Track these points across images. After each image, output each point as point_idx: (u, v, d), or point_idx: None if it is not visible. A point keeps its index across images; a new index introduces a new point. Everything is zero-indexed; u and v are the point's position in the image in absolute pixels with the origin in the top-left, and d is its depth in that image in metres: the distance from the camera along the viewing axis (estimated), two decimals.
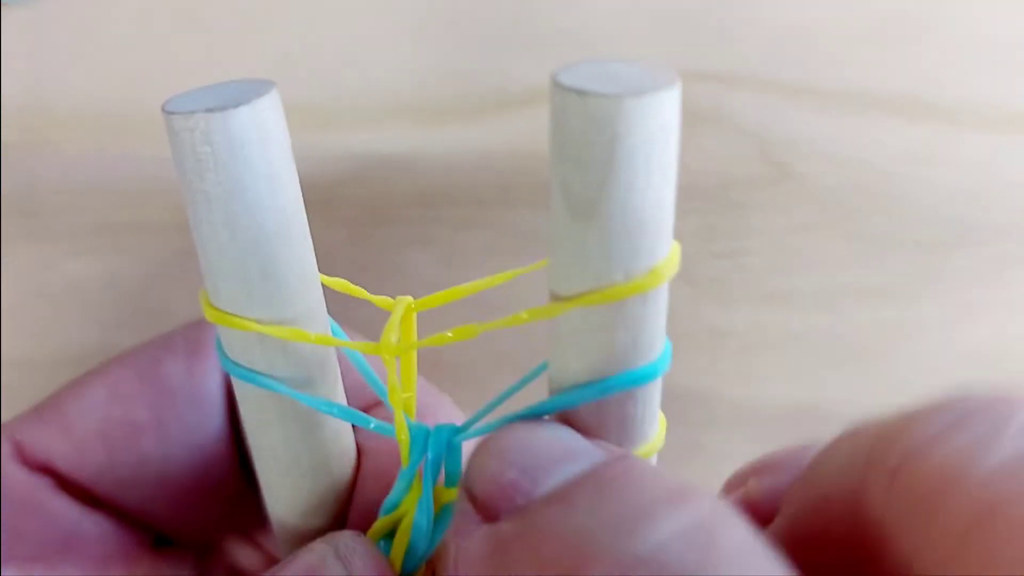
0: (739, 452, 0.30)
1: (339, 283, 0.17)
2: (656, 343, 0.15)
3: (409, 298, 0.16)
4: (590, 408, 0.15)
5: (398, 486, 0.17)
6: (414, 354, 0.17)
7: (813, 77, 0.27)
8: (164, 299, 0.29)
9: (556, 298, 0.14)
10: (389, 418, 0.19)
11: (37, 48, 0.27)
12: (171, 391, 0.22)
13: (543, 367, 0.16)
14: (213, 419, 0.22)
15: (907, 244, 0.28)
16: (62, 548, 0.21)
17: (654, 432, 0.16)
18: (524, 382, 0.17)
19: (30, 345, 0.30)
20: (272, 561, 0.25)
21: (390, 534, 0.18)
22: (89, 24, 0.27)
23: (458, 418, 0.20)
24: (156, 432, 0.21)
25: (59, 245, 0.29)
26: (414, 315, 0.16)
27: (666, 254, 0.14)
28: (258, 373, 0.16)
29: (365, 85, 0.27)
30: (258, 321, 0.16)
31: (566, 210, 0.14)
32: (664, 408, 0.29)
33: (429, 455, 0.16)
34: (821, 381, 0.30)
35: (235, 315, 0.16)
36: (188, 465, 0.22)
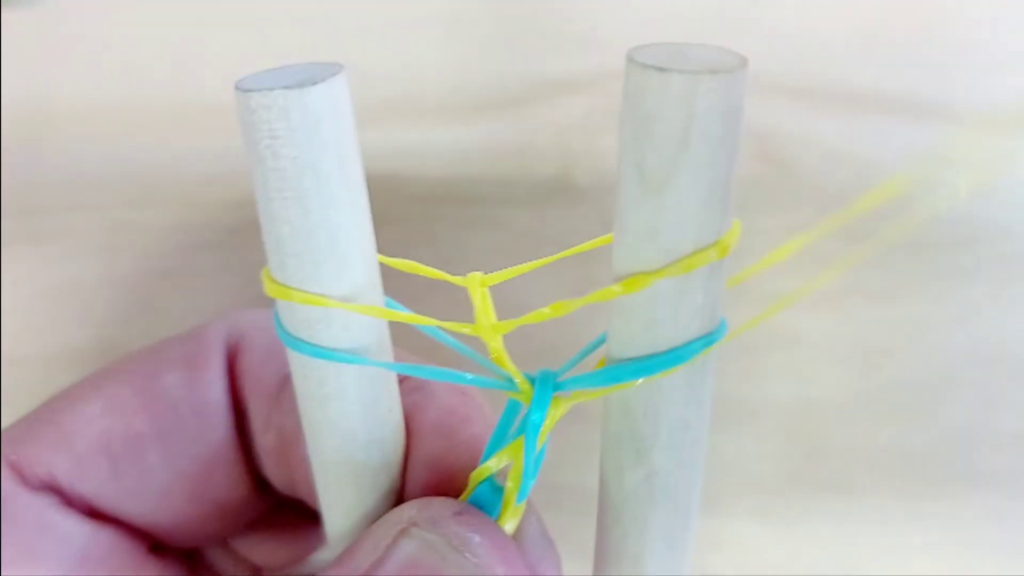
0: (739, 452, 0.30)
1: (399, 262, 0.18)
2: (718, 312, 0.15)
3: (479, 274, 0.17)
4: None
5: (494, 442, 0.17)
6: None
7: (814, 77, 0.27)
8: (163, 298, 0.30)
9: (624, 274, 0.15)
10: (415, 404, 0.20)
11: (37, 48, 0.27)
12: (172, 403, 0.21)
13: (602, 338, 0.16)
14: (217, 429, 0.22)
15: (908, 244, 0.29)
16: (77, 565, 0.21)
17: (711, 401, 0.17)
18: (585, 353, 0.17)
19: (30, 344, 0.30)
20: (252, 569, 0.26)
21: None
22: (89, 24, 0.27)
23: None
24: (159, 444, 0.21)
25: (59, 245, 0.29)
26: (486, 291, 0.17)
27: (731, 226, 0.15)
28: (321, 347, 0.17)
29: (368, 85, 0.27)
30: (323, 296, 0.16)
31: (639, 186, 0.14)
32: None
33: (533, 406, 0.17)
34: (821, 381, 0.30)
35: (300, 290, 0.16)
36: (194, 475, 0.22)
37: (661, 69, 0.13)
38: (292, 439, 0.21)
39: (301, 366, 0.17)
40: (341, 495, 0.19)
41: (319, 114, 0.15)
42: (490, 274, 0.17)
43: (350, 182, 0.16)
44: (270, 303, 0.17)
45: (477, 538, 0.17)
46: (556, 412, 0.17)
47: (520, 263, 0.18)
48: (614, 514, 0.18)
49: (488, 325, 0.16)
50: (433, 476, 0.19)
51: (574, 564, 0.27)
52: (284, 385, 0.21)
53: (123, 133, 0.27)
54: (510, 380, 0.17)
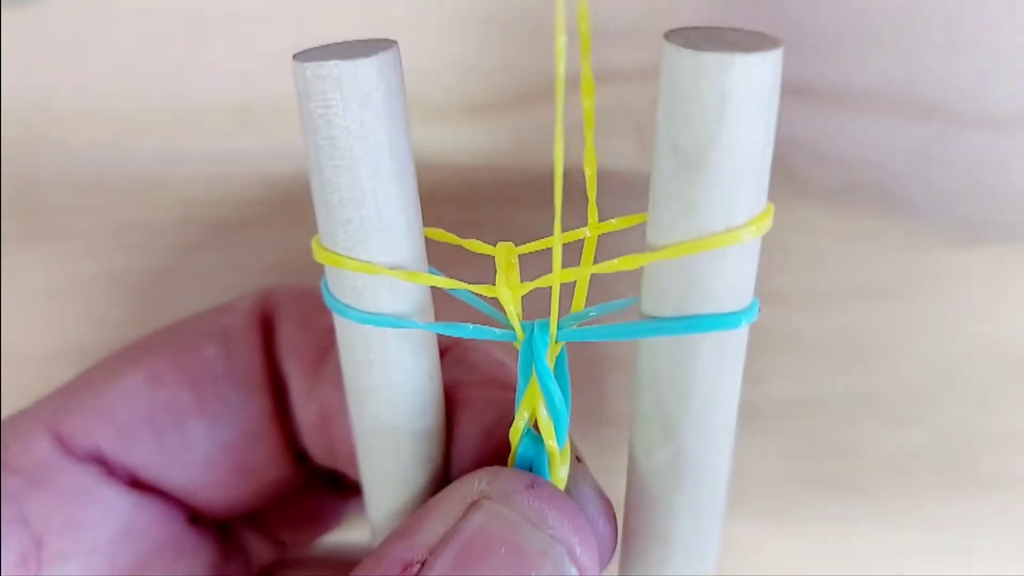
0: (739, 452, 0.30)
1: (439, 233, 0.18)
2: (747, 293, 0.16)
3: (511, 244, 0.17)
4: (683, 348, 0.16)
5: (518, 398, 0.18)
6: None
7: (815, 76, 0.27)
8: (166, 296, 0.30)
9: (656, 248, 0.15)
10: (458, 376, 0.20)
11: (37, 48, 0.27)
12: (211, 375, 0.22)
13: (634, 300, 0.17)
14: (256, 400, 0.22)
15: (908, 244, 0.28)
16: (121, 536, 0.21)
17: (739, 383, 0.17)
18: (612, 307, 0.18)
19: (30, 343, 0.31)
20: (279, 545, 0.26)
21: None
22: (89, 24, 0.27)
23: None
24: (200, 415, 0.22)
25: (59, 244, 0.30)
26: (516, 259, 0.17)
27: (764, 208, 0.15)
28: (367, 312, 0.17)
29: None
30: (370, 263, 0.17)
31: (674, 163, 0.15)
32: None
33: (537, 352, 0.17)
34: (822, 381, 0.30)
35: (349, 256, 0.17)
36: (233, 446, 0.22)
37: (696, 49, 0.14)
38: (334, 412, 0.22)
39: (347, 332, 0.18)
40: (381, 461, 0.19)
41: (370, 86, 0.16)
42: (521, 245, 0.17)
43: (399, 153, 0.17)
44: None
45: (550, 510, 0.17)
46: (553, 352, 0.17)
47: (520, 265, 0.18)
48: (642, 493, 0.18)
49: (504, 288, 0.17)
50: (484, 446, 0.19)
51: None
52: (324, 357, 0.22)
53: (124, 133, 0.27)
54: (510, 331, 0.17)
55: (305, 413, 0.22)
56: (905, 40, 0.27)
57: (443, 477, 0.20)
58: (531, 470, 0.18)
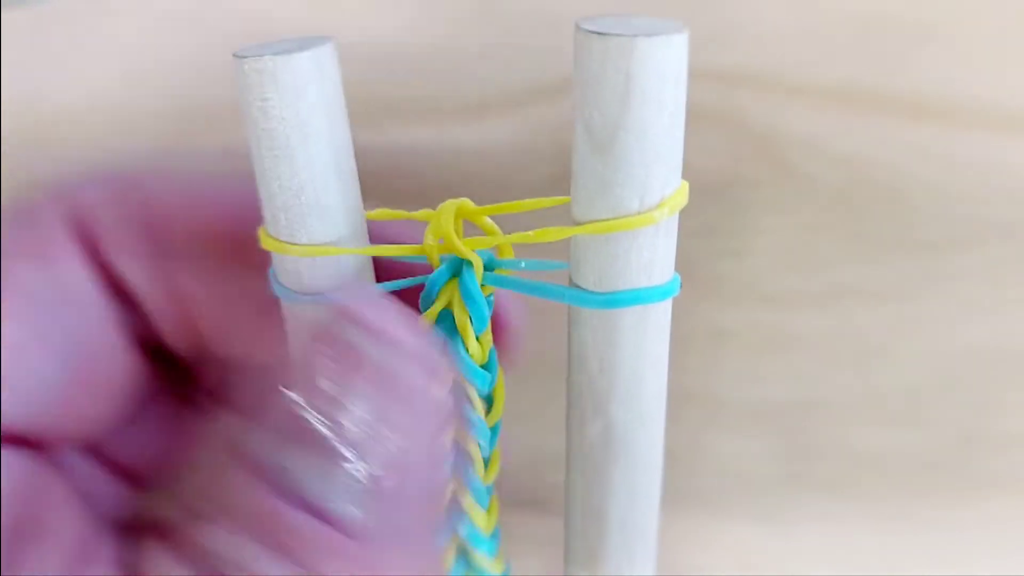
0: (738, 453, 0.30)
1: (380, 212, 0.19)
2: (666, 269, 0.16)
3: (456, 203, 0.18)
4: (606, 323, 0.17)
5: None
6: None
7: (816, 76, 0.27)
8: None
9: (578, 223, 0.16)
10: None
11: (37, 48, 0.27)
12: (36, 304, 0.21)
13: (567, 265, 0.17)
14: (96, 315, 0.21)
15: (909, 244, 0.28)
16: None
17: (666, 360, 0.18)
18: (547, 266, 0.18)
19: None
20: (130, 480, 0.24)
21: None
22: (89, 24, 0.27)
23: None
24: (36, 344, 0.21)
25: None
26: (460, 223, 0.18)
27: (677, 188, 0.16)
28: (310, 295, 0.18)
29: (364, 84, 0.27)
30: (310, 245, 0.18)
31: (588, 144, 0.15)
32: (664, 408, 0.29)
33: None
34: (821, 381, 0.30)
35: (291, 243, 0.18)
36: (78, 365, 0.21)
37: (600, 34, 0.14)
38: (190, 293, 0.21)
39: (293, 315, 0.19)
40: None
41: (305, 79, 0.17)
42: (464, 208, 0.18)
43: (336, 142, 0.17)
44: None
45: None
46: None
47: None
48: (577, 467, 0.19)
49: (432, 247, 0.18)
50: None
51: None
52: (162, 245, 0.21)
53: (123, 133, 0.28)
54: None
55: (157, 306, 0.22)
56: (906, 40, 0.27)
57: None
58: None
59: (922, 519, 0.30)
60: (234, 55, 0.17)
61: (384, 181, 0.27)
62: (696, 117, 0.27)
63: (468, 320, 0.18)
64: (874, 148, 0.27)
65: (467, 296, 0.17)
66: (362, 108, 0.28)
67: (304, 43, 0.17)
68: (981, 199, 0.28)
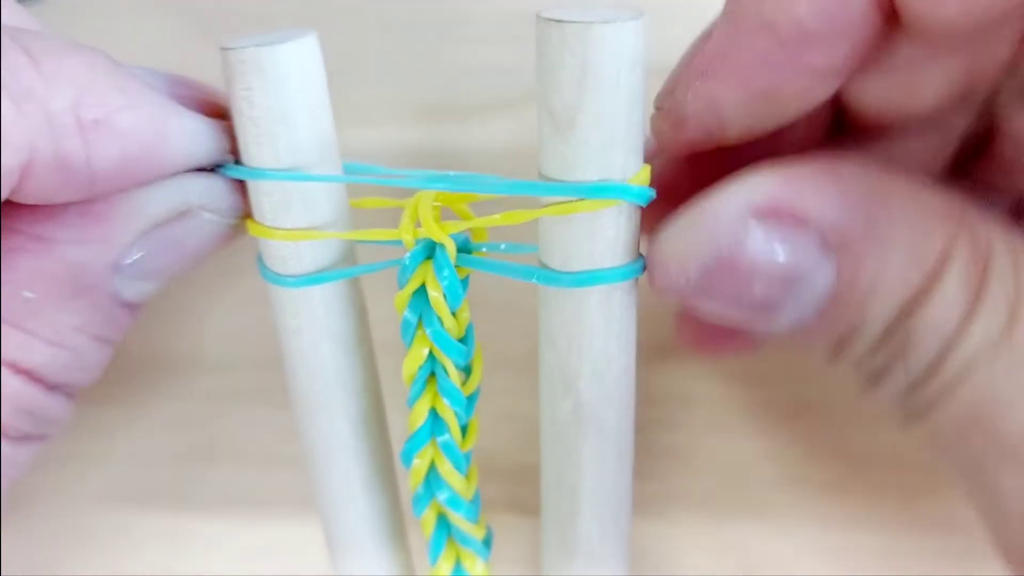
0: (738, 453, 0.31)
1: (365, 201, 0.20)
2: (628, 250, 0.17)
3: (433, 193, 0.19)
4: (573, 302, 0.17)
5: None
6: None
7: None
8: (164, 297, 0.30)
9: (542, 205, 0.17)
10: None
11: None
12: None
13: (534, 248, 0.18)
14: None
15: None
16: None
17: (633, 339, 0.18)
18: (520, 249, 0.19)
19: None
20: None
21: None
22: (89, 24, 0.27)
23: None
24: None
25: None
26: (437, 211, 0.19)
27: (637, 170, 0.16)
28: (294, 277, 0.19)
29: (366, 86, 0.28)
30: (293, 230, 0.18)
31: (550, 127, 0.16)
32: (664, 408, 0.29)
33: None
34: (821, 381, 0.30)
35: (276, 228, 0.19)
36: None
37: (558, 21, 0.15)
38: None
39: (277, 299, 0.20)
40: (314, 421, 0.21)
41: (288, 69, 0.17)
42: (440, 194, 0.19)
43: (318, 130, 0.18)
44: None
45: None
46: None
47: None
48: (549, 445, 0.19)
49: (408, 230, 0.18)
50: None
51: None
52: None
53: None
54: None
55: None
56: None
57: (381, 436, 0.22)
58: None
59: (923, 519, 0.30)
60: (220, 47, 0.18)
61: (383, 182, 0.28)
62: None
63: (442, 296, 0.18)
64: None
65: (439, 273, 0.18)
66: (362, 108, 0.29)
67: (288, 35, 0.18)
68: None
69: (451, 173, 0.19)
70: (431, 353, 0.19)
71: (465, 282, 0.19)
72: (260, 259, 0.20)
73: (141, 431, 0.30)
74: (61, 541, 0.31)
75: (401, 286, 0.19)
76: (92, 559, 0.31)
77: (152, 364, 0.31)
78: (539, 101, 0.16)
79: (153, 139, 0.18)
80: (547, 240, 0.17)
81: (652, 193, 0.17)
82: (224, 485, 0.30)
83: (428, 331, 0.19)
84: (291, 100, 0.18)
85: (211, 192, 0.19)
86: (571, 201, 0.16)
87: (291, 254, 0.19)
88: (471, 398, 0.20)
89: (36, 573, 0.31)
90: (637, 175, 0.16)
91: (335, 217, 0.19)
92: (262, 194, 0.18)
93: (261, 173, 0.18)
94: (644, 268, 0.17)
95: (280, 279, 0.19)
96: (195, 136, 0.18)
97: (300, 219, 0.18)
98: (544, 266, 0.17)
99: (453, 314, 0.19)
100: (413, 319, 0.19)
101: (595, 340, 0.18)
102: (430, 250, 0.18)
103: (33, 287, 0.18)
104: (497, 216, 0.17)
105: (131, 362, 0.31)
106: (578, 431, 0.18)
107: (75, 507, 0.31)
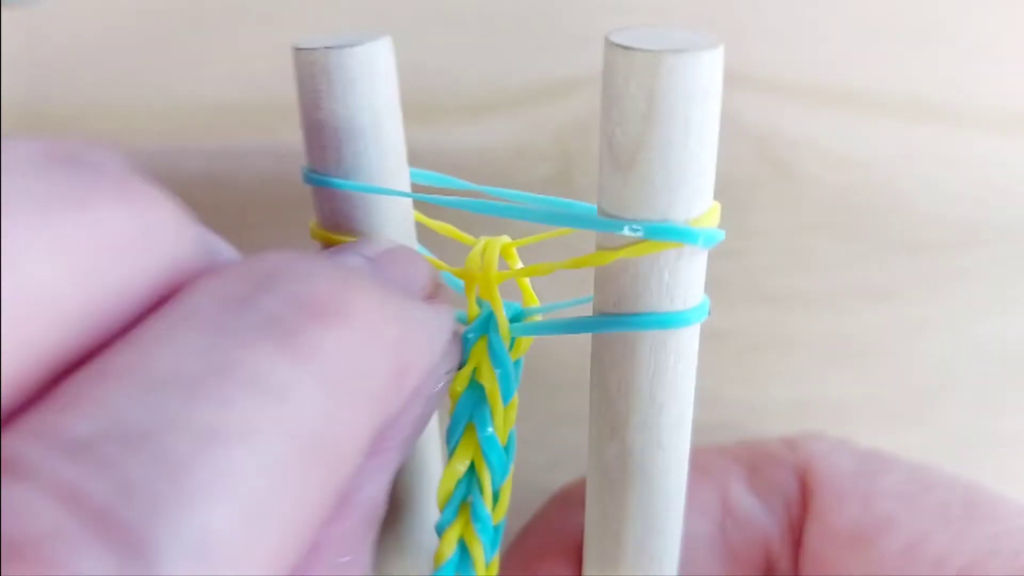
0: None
1: (443, 227, 0.19)
2: (691, 293, 0.16)
3: (505, 238, 0.18)
4: (624, 345, 0.16)
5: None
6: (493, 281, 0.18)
7: (815, 77, 0.27)
8: None
9: (602, 247, 0.16)
10: None
11: (37, 48, 0.27)
12: None
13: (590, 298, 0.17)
14: None
15: (908, 244, 0.28)
16: None
17: (690, 388, 0.17)
18: (571, 303, 0.18)
19: None
20: None
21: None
22: (89, 24, 0.27)
23: None
24: None
25: None
26: (496, 252, 0.18)
27: (704, 211, 0.15)
28: None
29: None
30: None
31: (610, 162, 0.15)
32: None
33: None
34: (821, 381, 0.29)
35: (339, 235, 0.18)
36: None
37: (625, 48, 0.14)
38: None
39: None
40: None
41: (355, 73, 0.17)
42: (508, 242, 0.18)
43: (385, 138, 0.18)
44: None
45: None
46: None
47: (520, 262, 0.19)
48: (595, 489, 0.18)
49: (472, 272, 0.18)
50: None
51: None
52: None
53: (122, 133, 0.28)
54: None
55: None
56: (906, 40, 0.26)
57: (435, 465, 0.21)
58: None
59: None
60: (293, 45, 0.17)
61: None
62: None
63: (497, 388, 0.18)
64: (874, 148, 0.27)
65: (495, 359, 0.18)
66: None
67: (360, 37, 0.17)
68: (981, 199, 0.28)
69: (504, 200, 0.18)
70: (472, 467, 0.19)
71: (518, 366, 0.18)
72: None
73: None
74: None
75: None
76: None
77: None
78: (601, 132, 0.15)
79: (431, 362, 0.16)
80: (603, 282, 0.16)
81: (720, 236, 0.15)
82: None
83: (480, 434, 0.18)
84: (358, 105, 0.17)
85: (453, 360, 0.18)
86: (631, 244, 0.15)
87: None
88: (497, 529, 0.19)
89: None
90: (704, 215, 0.15)
91: (399, 229, 0.18)
92: (325, 199, 0.18)
93: (337, 182, 0.18)
94: (708, 312, 0.16)
95: None
96: (443, 334, 0.16)
97: (363, 228, 0.18)
98: (599, 312, 0.16)
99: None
100: (464, 415, 0.18)
101: (647, 385, 0.16)
102: (486, 324, 0.18)
103: (344, 549, 0.15)
104: (559, 263, 0.16)
105: None
106: (624, 477, 0.17)
107: None
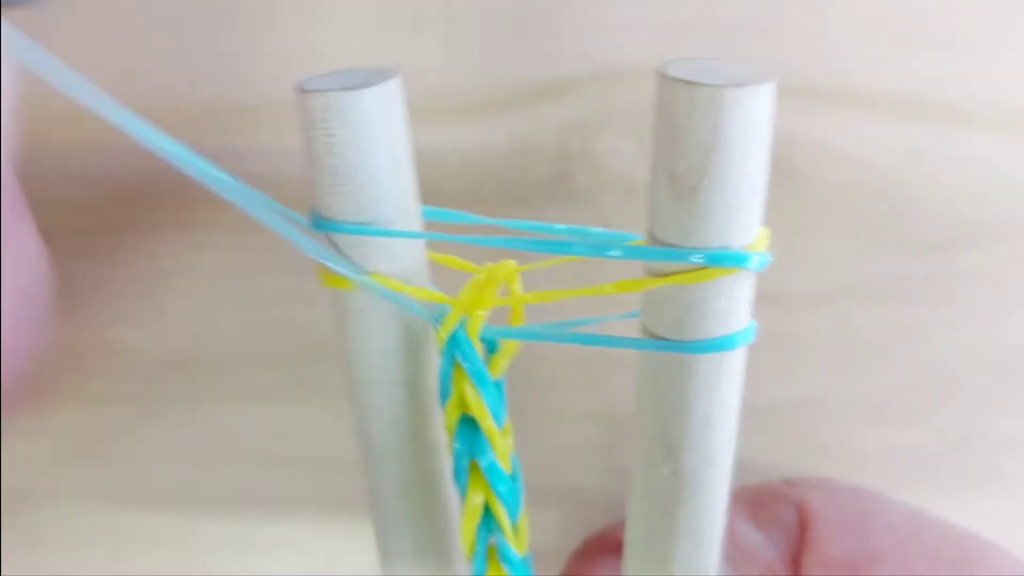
0: (739, 452, 0.31)
1: (446, 259, 0.19)
2: (742, 316, 0.16)
3: (511, 263, 0.18)
4: (680, 368, 0.16)
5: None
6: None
7: (815, 76, 0.27)
8: (163, 298, 0.30)
9: (653, 273, 0.16)
10: None
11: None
12: None
13: (637, 313, 0.17)
14: None
15: (908, 244, 0.28)
16: None
17: (738, 403, 0.17)
18: (609, 319, 0.18)
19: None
20: None
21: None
22: (90, 24, 0.27)
23: None
24: None
25: (58, 244, 0.30)
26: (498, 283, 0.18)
27: (757, 235, 0.15)
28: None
29: None
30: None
31: (670, 192, 0.15)
32: None
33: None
34: (821, 381, 0.30)
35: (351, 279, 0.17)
36: None
37: (689, 83, 0.14)
38: None
39: (353, 352, 0.18)
40: (388, 481, 0.20)
41: (371, 115, 0.16)
42: (522, 266, 0.18)
43: (400, 179, 0.17)
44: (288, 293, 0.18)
45: None
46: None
47: (521, 262, 0.19)
48: (643, 509, 0.18)
49: (463, 301, 0.18)
50: None
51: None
52: None
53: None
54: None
55: None
56: (906, 41, 0.27)
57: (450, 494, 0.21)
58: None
59: None
60: (297, 89, 0.16)
61: None
62: None
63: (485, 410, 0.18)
64: (874, 148, 0.27)
65: (475, 377, 0.18)
66: None
67: (368, 76, 0.16)
68: (981, 199, 0.28)
69: (533, 233, 0.18)
70: (486, 506, 0.19)
71: (500, 387, 0.18)
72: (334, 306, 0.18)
73: (143, 431, 0.30)
74: (62, 541, 0.31)
75: (443, 397, 0.18)
76: (94, 559, 0.31)
77: (155, 364, 0.30)
78: (657, 164, 0.15)
79: None
80: (655, 306, 0.16)
81: (769, 259, 0.16)
82: (226, 485, 0.30)
83: (482, 464, 0.18)
84: (375, 148, 0.16)
85: None
86: (690, 270, 0.15)
87: (367, 305, 0.18)
88: (526, 561, 0.19)
89: (37, 574, 0.31)
90: (756, 241, 0.15)
91: (414, 269, 0.18)
92: (339, 245, 0.17)
93: (347, 228, 0.17)
94: (755, 334, 0.16)
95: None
96: None
97: (383, 270, 0.17)
98: (650, 333, 0.16)
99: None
100: (465, 451, 0.18)
101: (702, 406, 0.17)
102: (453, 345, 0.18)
103: None
104: (610, 285, 0.16)
105: (134, 362, 0.30)
106: (677, 498, 0.18)
107: (77, 507, 0.31)
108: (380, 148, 0.16)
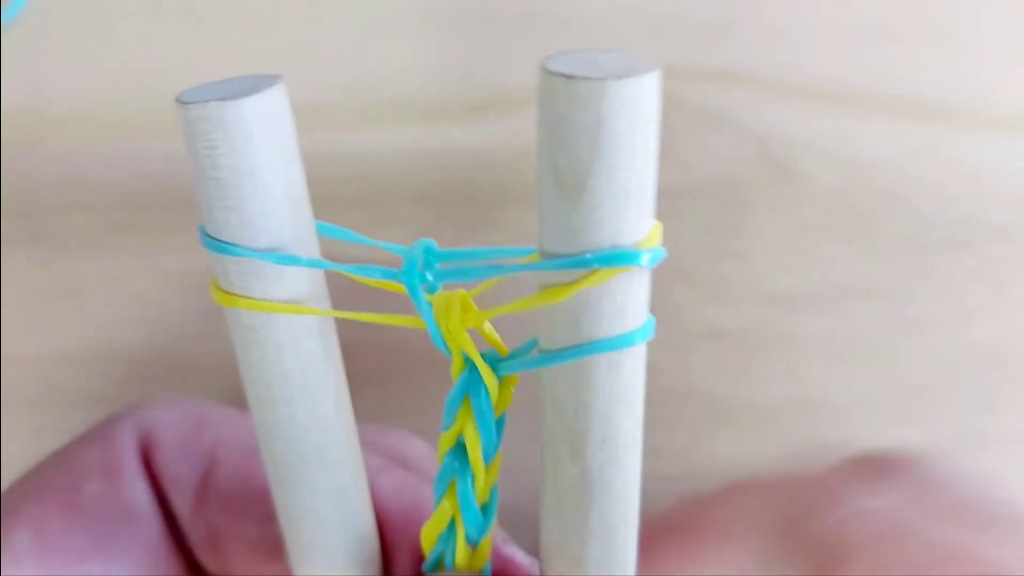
0: (739, 452, 0.30)
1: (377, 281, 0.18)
2: (639, 312, 0.16)
3: (459, 297, 0.18)
4: (580, 370, 0.16)
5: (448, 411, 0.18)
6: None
7: (815, 77, 0.27)
8: (163, 298, 0.30)
9: (549, 284, 0.16)
10: None
11: (37, 48, 0.27)
12: (99, 514, 0.22)
13: (534, 342, 0.17)
14: (149, 529, 0.22)
15: (908, 244, 0.29)
16: None
17: (642, 400, 0.17)
18: (525, 350, 0.18)
19: (29, 344, 0.31)
20: None
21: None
22: (89, 24, 0.27)
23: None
24: (95, 554, 0.22)
25: (59, 245, 0.29)
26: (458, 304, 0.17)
27: (649, 231, 0.15)
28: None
29: (366, 84, 0.27)
30: (266, 301, 0.17)
31: (556, 189, 0.15)
32: (664, 408, 0.29)
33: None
34: (821, 381, 0.30)
35: (244, 296, 0.17)
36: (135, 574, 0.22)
37: (568, 76, 0.14)
38: (222, 531, 0.22)
39: (249, 371, 0.18)
40: (294, 498, 0.19)
41: (253, 124, 0.16)
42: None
43: (290, 188, 0.16)
44: None
45: None
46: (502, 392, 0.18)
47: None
48: (554, 513, 0.18)
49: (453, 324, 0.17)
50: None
51: None
52: (207, 478, 0.22)
53: (122, 133, 0.28)
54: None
55: (193, 533, 0.23)
56: (906, 40, 0.27)
57: (360, 510, 0.20)
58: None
59: None
60: (177, 100, 0.16)
61: (383, 183, 0.27)
62: (696, 117, 0.27)
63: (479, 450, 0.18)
64: (874, 149, 0.28)
65: (480, 418, 0.18)
66: (360, 110, 0.28)
67: (254, 84, 0.16)
68: (980, 199, 0.28)
69: (455, 252, 0.17)
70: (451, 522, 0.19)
71: (501, 424, 0.18)
72: (230, 323, 0.18)
73: None
74: None
75: (447, 424, 0.18)
76: None
77: (155, 365, 0.30)
78: (541, 162, 0.15)
79: None
80: (549, 315, 0.16)
81: (664, 254, 0.16)
82: None
83: (459, 489, 0.18)
84: (260, 158, 0.16)
85: None
86: (581, 277, 0.15)
87: (262, 324, 0.17)
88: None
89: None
90: (648, 236, 0.15)
91: (312, 289, 0.17)
92: (229, 262, 0.17)
93: (237, 250, 0.16)
94: (654, 330, 0.16)
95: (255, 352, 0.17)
96: None
97: (274, 290, 0.17)
98: (547, 348, 0.16)
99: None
100: (452, 467, 0.18)
101: (603, 406, 0.16)
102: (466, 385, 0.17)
103: None
104: (527, 299, 0.16)
105: (134, 363, 0.30)
106: (585, 499, 0.17)
107: None
108: (265, 159, 0.16)
